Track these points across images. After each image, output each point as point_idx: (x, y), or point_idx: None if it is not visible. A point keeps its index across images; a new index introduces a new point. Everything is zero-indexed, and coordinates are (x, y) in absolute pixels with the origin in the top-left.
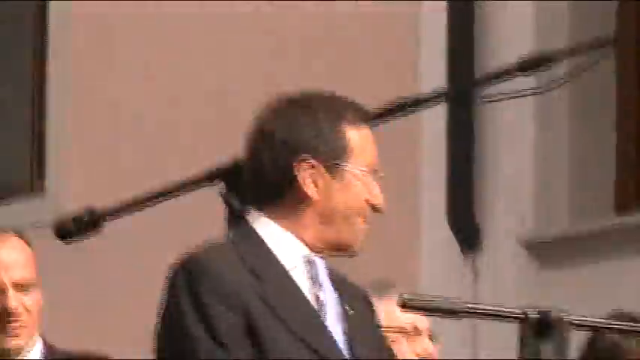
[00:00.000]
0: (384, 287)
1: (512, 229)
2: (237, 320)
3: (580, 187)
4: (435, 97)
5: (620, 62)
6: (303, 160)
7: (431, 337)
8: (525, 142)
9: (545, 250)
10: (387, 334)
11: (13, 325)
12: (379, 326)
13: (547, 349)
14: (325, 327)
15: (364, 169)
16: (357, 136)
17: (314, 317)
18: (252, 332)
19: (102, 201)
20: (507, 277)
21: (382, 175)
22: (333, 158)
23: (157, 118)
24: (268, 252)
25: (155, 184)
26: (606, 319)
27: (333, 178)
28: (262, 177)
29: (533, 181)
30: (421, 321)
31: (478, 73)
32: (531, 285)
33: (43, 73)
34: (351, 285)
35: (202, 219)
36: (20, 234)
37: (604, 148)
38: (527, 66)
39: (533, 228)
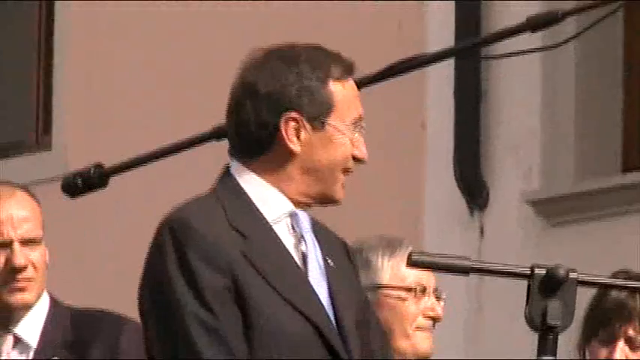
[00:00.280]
0: (391, 245)
1: (519, 187)
2: (224, 282)
3: (586, 146)
4: (443, 54)
5: (628, 20)
6: (287, 115)
7: (437, 296)
8: (532, 100)
9: (551, 208)
10: (395, 293)
11: (21, 280)
12: (357, 276)
13: (554, 306)
14: (309, 286)
15: (348, 123)
16: (341, 90)
17: (298, 276)
18: (238, 293)
19: (108, 157)
20: (513, 235)
21: (364, 125)
22: (316, 113)
23: (164, 74)
24: (252, 207)
25: (161, 139)
26: (612, 276)
27: (317, 133)
28: (246, 131)
29: (540, 139)
30: (428, 280)
31: (486, 31)
32: (537, 243)
33: (50, 31)
34: (331, 235)
35: (208, 175)
36: (26, 189)
37: (611, 107)
38: (535, 23)
39: (539, 186)
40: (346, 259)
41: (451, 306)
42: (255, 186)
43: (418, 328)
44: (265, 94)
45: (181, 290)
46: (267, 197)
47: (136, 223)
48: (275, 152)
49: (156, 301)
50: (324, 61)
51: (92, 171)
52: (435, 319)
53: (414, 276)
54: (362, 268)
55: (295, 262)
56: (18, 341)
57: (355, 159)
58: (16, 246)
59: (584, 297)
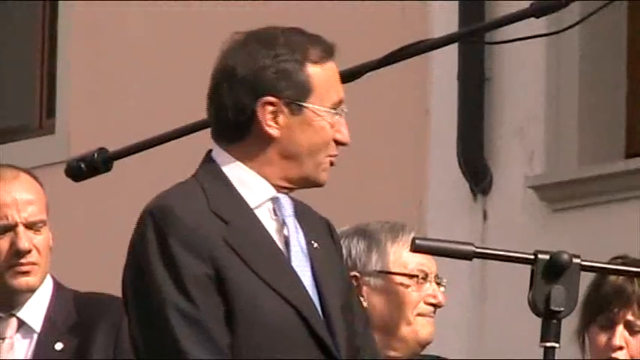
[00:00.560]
0: (394, 230)
1: (522, 172)
2: (205, 269)
3: (590, 131)
4: (446, 40)
5: (632, 6)
6: (264, 99)
7: (438, 282)
8: (536, 85)
9: (555, 193)
10: (397, 279)
11: (25, 264)
12: (341, 257)
13: (557, 291)
14: (292, 270)
15: (328, 106)
16: (320, 73)
17: (281, 261)
18: (220, 280)
19: (111, 141)
20: (516, 220)
21: (346, 109)
22: (294, 96)
23: (168, 58)
24: (234, 192)
25: (165, 124)
26: (610, 262)
27: (296, 117)
28: (225, 115)
29: (543, 124)
30: (429, 266)
31: (490, 16)
32: (540, 227)
33: (54, 15)
34: (315, 215)
35: None
36: (30, 172)
37: (614, 92)
38: (540, 9)
39: (542, 171)
40: (329, 239)
41: (455, 292)
42: (236, 171)
43: (420, 314)
44: (242, 77)
45: (161, 277)
46: (249, 182)
47: (139, 207)
48: (254, 137)
49: (137, 287)
50: (302, 44)
51: (96, 155)
52: (436, 306)
53: (416, 262)
54: (364, 252)
55: (278, 247)
56: (21, 324)
57: (337, 143)
58: (21, 229)
59: (583, 282)
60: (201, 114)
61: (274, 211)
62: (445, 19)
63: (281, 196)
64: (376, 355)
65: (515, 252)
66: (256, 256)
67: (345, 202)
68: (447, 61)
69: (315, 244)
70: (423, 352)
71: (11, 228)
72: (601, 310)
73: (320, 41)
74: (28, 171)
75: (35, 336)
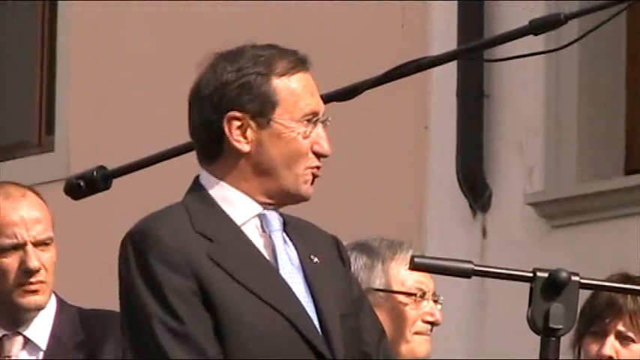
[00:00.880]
0: (392, 248)
1: (521, 189)
2: (187, 284)
3: (589, 148)
4: (446, 57)
5: (631, 21)
6: (229, 115)
7: (435, 300)
8: (535, 101)
9: (554, 210)
10: (395, 297)
11: (34, 283)
12: (348, 270)
13: (556, 309)
14: (281, 280)
15: (298, 118)
16: (286, 85)
17: (268, 272)
18: (205, 295)
19: (110, 158)
20: (515, 237)
21: (325, 119)
22: (259, 110)
23: (168, 75)
24: (219, 211)
25: (164, 141)
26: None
27: (264, 130)
28: (198, 136)
29: (543, 140)
30: (427, 284)
31: (489, 30)
32: (539, 244)
33: (53, 33)
34: (318, 233)
35: None
36: (35, 190)
37: (613, 109)
38: (538, 27)
39: (542, 187)
40: (335, 255)
41: (454, 304)
42: (219, 190)
43: (417, 332)
44: (207, 95)
45: (145, 297)
46: (233, 200)
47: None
48: (228, 154)
49: (125, 307)
50: (268, 57)
51: (95, 173)
52: (433, 324)
53: (414, 280)
54: (363, 269)
55: (265, 259)
56: (27, 342)
57: (317, 154)
58: (30, 248)
59: (582, 299)
60: None
61: (262, 227)
62: (444, 33)
63: (268, 212)
64: None
65: (513, 270)
66: (241, 268)
67: (344, 218)
68: (446, 77)
69: (315, 259)
70: None
71: (20, 247)
72: (594, 320)
73: (289, 53)
74: (32, 188)
75: (41, 354)
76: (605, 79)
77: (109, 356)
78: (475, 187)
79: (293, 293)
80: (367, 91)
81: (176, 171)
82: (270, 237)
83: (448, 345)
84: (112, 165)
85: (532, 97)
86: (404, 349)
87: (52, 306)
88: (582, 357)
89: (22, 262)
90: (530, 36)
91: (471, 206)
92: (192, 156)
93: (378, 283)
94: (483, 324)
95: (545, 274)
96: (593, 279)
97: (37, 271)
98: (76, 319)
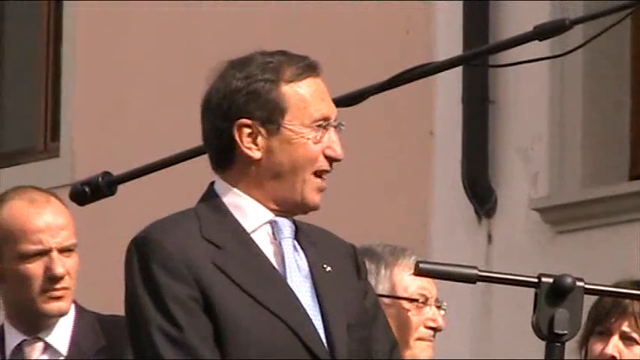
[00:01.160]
0: (395, 254)
1: (526, 194)
2: (188, 291)
3: (594, 153)
4: (450, 62)
5: (636, 26)
6: (238, 122)
7: (438, 306)
8: (540, 107)
9: (559, 215)
10: (397, 303)
11: (59, 289)
12: (362, 281)
13: (561, 315)
14: (287, 289)
15: (308, 123)
16: (295, 92)
17: (275, 281)
18: (207, 303)
19: (115, 163)
20: (520, 242)
21: (338, 123)
22: (268, 116)
23: (173, 81)
24: (229, 218)
25: (170, 147)
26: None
27: (274, 136)
28: (209, 144)
29: (548, 146)
30: (430, 290)
31: (494, 34)
32: (544, 249)
33: (58, 39)
34: (334, 240)
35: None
36: (57, 195)
37: (618, 114)
38: (543, 32)
39: (547, 193)
40: (350, 264)
41: (460, 308)
42: (231, 197)
43: (419, 338)
44: (217, 103)
45: (145, 302)
46: (244, 207)
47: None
48: (240, 161)
49: (127, 312)
50: (277, 64)
51: (100, 179)
52: (435, 329)
53: (417, 286)
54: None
55: (272, 268)
56: (47, 348)
57: (329, 159)
58: (55, 254)
59: (587, 304)
60: None
61: (273, 234)
62: (449, 38)
63: (279, 219)
64: None
65: (518, 275)
66: (246, 276)
67: (349, 223)
68: (451, 83)
69: (328, 268)
70: None
71: (45, 253)
72: (600, 320)
73: (298, 60)
74: (54, 193)
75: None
76: (610, 85)
77: None
78: (480, 192)
79: (297, 301)
80: (372, 97)
81: (181, 177)
82: (280, 244)
83: (454, 350)
84: (117, 171)
85: (537, 103)
86: (406, 354)
87: (71, 312)
88: (588, 357)
89: (47, 269)
90: (535, 41)
91: (476, 211)
92: (197, 162)
93: (381, 288)
94: (489, 329)
95: (550, 280)
96: (597, 284)
97: (62, 277)
98: (96, 325)
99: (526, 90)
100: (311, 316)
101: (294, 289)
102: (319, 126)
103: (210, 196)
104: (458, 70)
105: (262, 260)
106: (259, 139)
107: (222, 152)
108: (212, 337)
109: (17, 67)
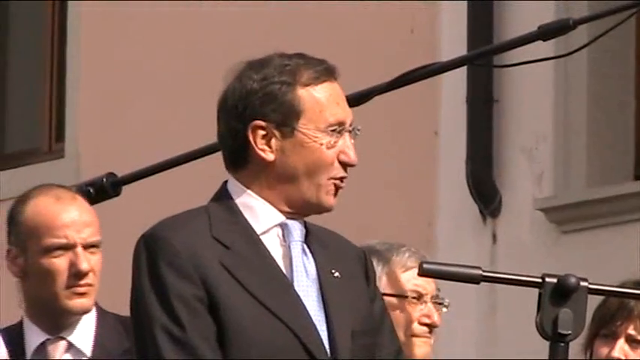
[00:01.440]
0: (390, 251)
1: (531, 194)
2: (193, 291)
3: (598, 153)
4: (455, 63)
5: (639, 26)
6: (253, 124)
7: (438, 303)
8: (544, 107)
9: (564, 215)
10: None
11: (83, 285)
12: (371, 286)
13: (565, 315)
14: (293, 293)
15: (323, 127)
16: (311, 96)
17: (281, 284)
18: (212, 302)
19: (120, 164)
20: (525, 242)
21: (353, 128)
22: (283, 119)
23: (178, 81)
24: (240, 219)
25: (174, 147)
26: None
27: (288, 139)
28: (224, 144)
29: (552, 146)
30: (424, 287)
31: (498, 34)
32: (549, 249)
33: (62, 40)
34: (345, 245)
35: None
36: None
37: (623, 114)
38: (547, 32)
39: (551, 193)
40: (360, 270)
41: (465, 308)
42: (243, 197)
43: (414, 335)
44: (232, 104)
45: (151, 300)
46: (255, 208)
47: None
48: (254, 162)
49: (133, 309)
50: (294, 66)
51: (105, 180)
52: (431, 326)
53: (411, 282)
54: None
55: (279, 271)
56: (70, 347)
57: (343, 164)
58: (80, 250)
59: (591, 304)
60: (212, 137)
61: (283, 237)
62: (453, 38)
63: (290, 222)
64: None
65: (522, 275)
66: (253, 278)
67: (355, 224)
68: (455, 83)
69: (336, 273)
70: None
71: (70, 248)
72: (605, 322)
73: (315, 63)
74: (78, 192)
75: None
76: (615, 84)
77: None
78: (485, 192)
79: (302, 305)
80: (377, 97)
81: (186, 178)
82: (289, 247)
83: (459, 350)
84: (121, 172)
85: (541, 103)
86: None
87: (92, 311)
88: (593, 359)
89: (72, 265)
90: (540, 41)
91: (480, 212)
92: (201, 163)
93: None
94: (494, 329)
95: (554, 280)
96: (602, 284)
97: (87, 273)
98: (118, 325)
99: (530, 90)
100: (315, 321)
101: (300, 292)
102: (334, 130)
103: (223, 195)
104: (462, 70)
105: (270, 262)
106: (273, 142)
107: (236, 153)
108: (215, 337)
109: (21, 68)
